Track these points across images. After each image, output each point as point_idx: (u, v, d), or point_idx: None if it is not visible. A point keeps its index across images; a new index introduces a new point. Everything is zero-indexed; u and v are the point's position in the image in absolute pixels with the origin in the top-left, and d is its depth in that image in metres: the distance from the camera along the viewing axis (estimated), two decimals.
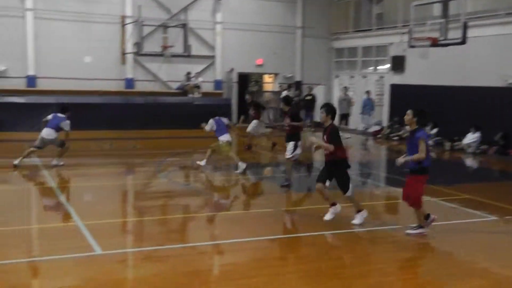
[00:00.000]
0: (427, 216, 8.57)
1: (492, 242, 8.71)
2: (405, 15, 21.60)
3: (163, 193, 11.93)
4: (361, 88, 26.36)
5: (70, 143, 14.48)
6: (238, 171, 13.68)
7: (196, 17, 25.67)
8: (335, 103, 24.26)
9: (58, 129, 13.97)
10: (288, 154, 12.11)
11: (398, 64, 24.32)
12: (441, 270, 7.17)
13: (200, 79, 25.93)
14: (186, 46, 23.73)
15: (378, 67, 26.58)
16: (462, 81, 20.40)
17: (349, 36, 27.89)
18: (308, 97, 26.51)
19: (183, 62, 25.24)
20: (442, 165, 16.86)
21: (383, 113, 25.27)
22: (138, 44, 23.68)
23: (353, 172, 12.49)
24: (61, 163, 14.07)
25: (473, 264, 7.59)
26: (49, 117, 14.10)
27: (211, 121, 14.21)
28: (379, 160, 19.37)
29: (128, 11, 24.89)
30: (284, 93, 25.93)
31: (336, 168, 8.97)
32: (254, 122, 18.07)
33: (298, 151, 12.19)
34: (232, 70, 27.33)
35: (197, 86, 25.45)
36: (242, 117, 20.85)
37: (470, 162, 18.25)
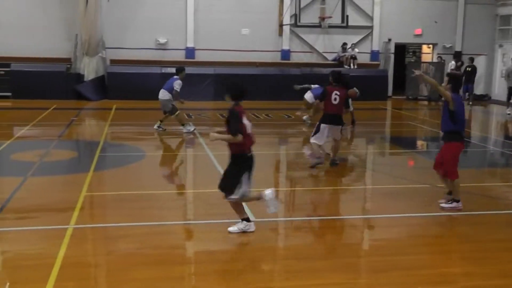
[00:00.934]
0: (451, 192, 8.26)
1: None
2: None
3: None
4: None
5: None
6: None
7: None
8: (500, 74, 22.55)
9: (170, 90, 14.41)
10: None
11: None
12: None
13: (356, 50, 25.45)
14: (344, 17, 23.37)
15: None
16: None
17: None
18: (468, 69, 24.92)
19: (339, 33, 24.96)
20: None
21: None
22: (295, 16, 23.77)
23: None
24: (160, 127, 14.62)
25: None
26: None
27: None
28: None
29: None
30: (452, 65, 24.73)
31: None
32: None
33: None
34: (389, 40, 26.49)
35: (353, 57, 25.04)
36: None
37: None
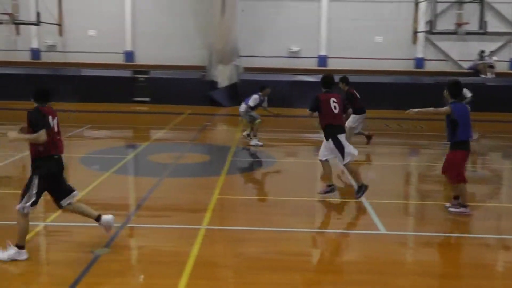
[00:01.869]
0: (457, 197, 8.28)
1: None
2: None
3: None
4: None
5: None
6: None
7: None
8: None
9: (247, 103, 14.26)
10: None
11: None
12: None
13: (494, 58, 24.14)
14: (482, 23, 22.30)
15: None
16: None
17: None
18: None
19: (477, 40, 23.89)
20: None
21: None
22: (430, 22, 23.07)
23: None
24: (253, 142, 14.18)
25: None
26: None
27: None
28: None
29: None
30: None
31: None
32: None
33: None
34: None
35: (491, 66, 23.77)
36: None
37: None
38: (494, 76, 23.57)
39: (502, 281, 6.28)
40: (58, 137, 6.54)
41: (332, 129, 8.91)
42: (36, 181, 6.18)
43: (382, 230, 7.22)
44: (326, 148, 9.01)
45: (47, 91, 6.54)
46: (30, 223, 6.43)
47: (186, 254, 6.42)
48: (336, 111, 8.91)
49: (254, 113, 14.21)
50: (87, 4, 24.47)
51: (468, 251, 7.27)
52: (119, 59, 24.64)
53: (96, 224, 6.70)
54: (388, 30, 24.53)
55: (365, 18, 24.51)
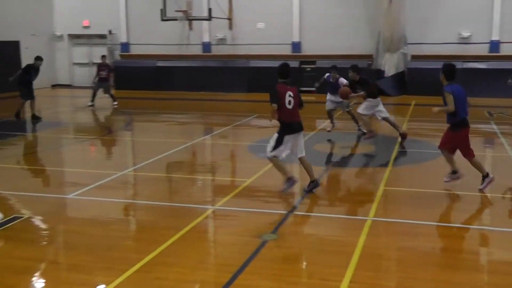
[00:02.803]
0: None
1: None
2: None
3: None
4: None
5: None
6: None
7: None
8: None
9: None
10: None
11: None
12: None
13: None
14: None
15: None
16: None
17: None
18: None
19: None
20: None
21: None
22: None
23: None
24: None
25: None
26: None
27: None
28: None
29: None
30: None
31: None
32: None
33: None
34: None
35: None
36: None
37: None
38: None
39: None
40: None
41: (287, 125, 8.40)
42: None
43: None
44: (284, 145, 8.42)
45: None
46: (200, 206, 6.73)
47: (353, 244, 6.35)
48: (290, 106, 8.33)
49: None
50: None
51: None
52: (286, 50, 25.08)
53: (263, 210, 6.87)
54: None
55: None
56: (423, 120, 16.90)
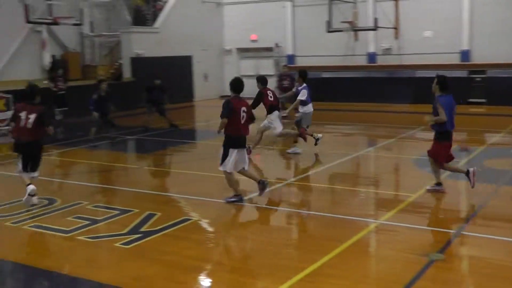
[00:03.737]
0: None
1: None
2: None
3: None
4: None
5: None
6: None
7: None
8: None
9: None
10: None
11: None
12: None
13: None
14: None
15: None
16: None
17: None
18: None
19: None
20: None
21: None
22: None
23: None
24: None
25: None
26: None
27: None
28: None
29: None
30: None
31: None
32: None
33: None
34: None
35: None
36: None
37: None
38: None
39: None
40: None
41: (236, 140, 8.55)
42: None
43: None
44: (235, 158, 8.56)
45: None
46: (363, 219, 6.63)
47: None
48: (242, 121, 8.53)
49: None
50: (423, 6, 24.36)
51: None
52: (455, 59, 23.90)
53: (428, 227, 6.57)
54: None
55: None
56: None
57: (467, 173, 8.97)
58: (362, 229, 7.45)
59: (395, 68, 24.80)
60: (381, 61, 25.60)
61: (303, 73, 12.79)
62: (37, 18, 20.08)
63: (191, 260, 6.46)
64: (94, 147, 14.30)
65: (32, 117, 8.55)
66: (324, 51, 25.99)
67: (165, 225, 7.65)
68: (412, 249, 6.63)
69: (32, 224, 7.87)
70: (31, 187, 8.53)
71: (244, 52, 29.23)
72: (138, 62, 23.50)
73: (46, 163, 12.97)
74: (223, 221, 8.18)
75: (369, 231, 7.45)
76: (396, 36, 24.89)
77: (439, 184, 9.12)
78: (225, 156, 8.59)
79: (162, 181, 11.30)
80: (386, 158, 13.22)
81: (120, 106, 16.85)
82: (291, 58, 27.51)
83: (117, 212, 8.38)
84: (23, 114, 8.57)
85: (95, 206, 8.76)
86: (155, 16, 26.58)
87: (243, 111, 8.57)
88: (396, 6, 24.60)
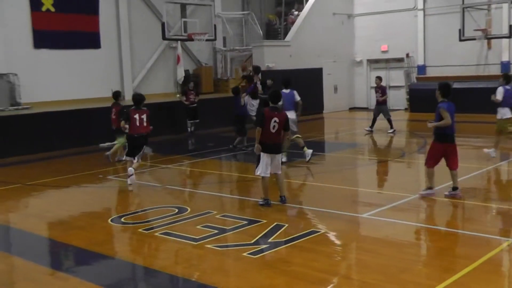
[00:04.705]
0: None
1: None
2: None
3: None
4: None
5: None
6: None
7: None
8: None
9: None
10: None
11: None
12: None
13: None
14: None
15: None
16: None
17: None
18: None
19: None
20: None
21: None
22: None
23: None
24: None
25: None
26: None
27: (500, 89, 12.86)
28: None
29: None
30: None
31: None
32: None
33: None
34: None
35: None
36: None
37: None
38: None
39: None
40: None
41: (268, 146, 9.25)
42: None
43: None
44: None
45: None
46: (494, 237, 6.20)
47: None
48: (273, 130, 9.22)
49: None
50: None
51: None
52: None
53: None
54: None
55: None
56: None
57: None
58: (494, 247, 6.99)
59: None
60: None
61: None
62: (172, 35, 21.19)
63: (318, 272, 6.37)
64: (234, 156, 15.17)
65: (144, 117, 11.26)
66: (455, 60, 24.94)
67: (292, 236, 7.65)
68: None
69: (163, 231, 8.21)
70: (132, 169, 11.12)
71: (374, 63, 28.77)
72: (269, 75, 23.96)
73: (177, 173, 13.67)
74: (351, 234, 8.02)
75: (501, 249, 6.96)
76: None
77: (431, 188, 9.62)
78: (258, 161, 9.45)
79: (289, 193, 11.34)
80: None
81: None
82: (421, 68, 26.62)
83: (245, 222, 8.52)
84: (136, 116, 11.18)
85: (223, 216, 8.97)
86: (286, 30, 26.98)
87: (275, 121, 9.23)
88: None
